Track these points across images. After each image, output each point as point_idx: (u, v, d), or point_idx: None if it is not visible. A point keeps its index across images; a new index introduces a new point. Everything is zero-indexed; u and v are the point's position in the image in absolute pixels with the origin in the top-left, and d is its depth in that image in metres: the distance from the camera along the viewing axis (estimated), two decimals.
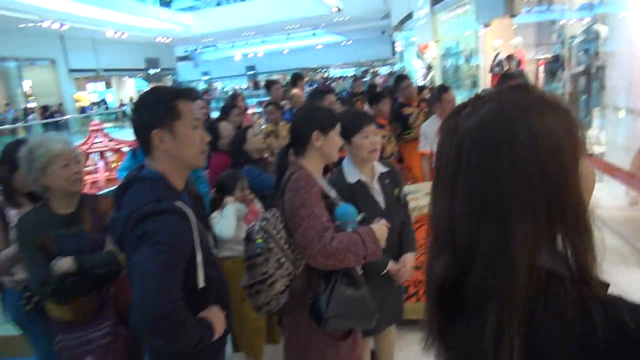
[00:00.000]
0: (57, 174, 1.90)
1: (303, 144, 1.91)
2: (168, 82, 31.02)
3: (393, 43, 24.43)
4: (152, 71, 28.00)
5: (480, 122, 0.68)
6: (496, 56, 8.95)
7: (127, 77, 28.69)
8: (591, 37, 5.81)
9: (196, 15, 27.34)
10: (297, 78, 6.12)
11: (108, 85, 28.13)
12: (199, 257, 1.42)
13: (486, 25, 8.87)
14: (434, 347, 0.78)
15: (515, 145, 0.65)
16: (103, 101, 25.95)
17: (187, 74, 38.35)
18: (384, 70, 38.59)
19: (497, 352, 0.63)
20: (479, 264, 0.66)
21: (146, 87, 29.95)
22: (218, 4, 28.16)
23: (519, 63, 8.63)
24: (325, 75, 38.75)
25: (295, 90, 5.35)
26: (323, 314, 1.70)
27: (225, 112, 4.67)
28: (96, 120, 11.51)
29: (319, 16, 23.75)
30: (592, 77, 5.86)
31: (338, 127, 1.93)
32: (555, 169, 0.65)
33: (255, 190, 2.90)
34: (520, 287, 0.62)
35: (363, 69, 38.53)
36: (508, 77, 5.28)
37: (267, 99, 6.06)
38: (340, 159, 2.16)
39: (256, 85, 33.38)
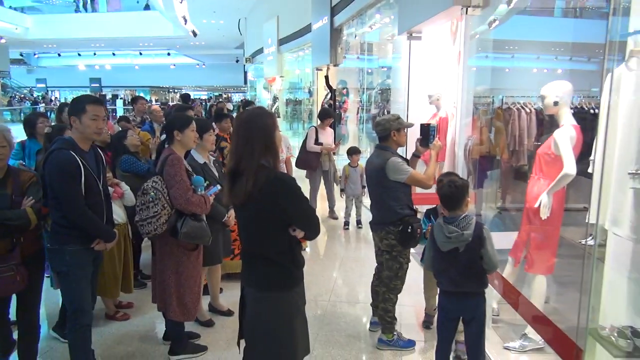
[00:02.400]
0: None
1: (170, 137, 3.09)
2: None
3: (245, 72, 25.96)
4: None
5: (246, 117, 2.00)
6: (326, 95, 10.87)
7: None
8: (385, 86, 7.85)
9: (39, 19, 25.76)
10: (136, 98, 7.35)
11: None
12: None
13: (318, 69, 10.79)
14: None
15: (256, 126, 1.98)
16: None
17: (20, 79, 35.11)
18: (237, 97, 40.22)
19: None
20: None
21: None
22: (76, 10, 26.86)
23: (343, 102, 10.68)
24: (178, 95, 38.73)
25: (154, 106, 6.34)
26: (178, 232, 2.93)
27: None
28: None
29: (175, 37, 24.28)
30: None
31: (192, 126, 3.14)
32: (266, 133, 2.00)
33: (131, 171, 4.01)
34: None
35: (216, 93, 39.58)
36: (325, 113, 7.01)
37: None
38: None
39: (101, 99, 32.03)
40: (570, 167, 2.86)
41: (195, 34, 22.39)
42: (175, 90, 44.34)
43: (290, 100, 16.88)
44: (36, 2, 29.59)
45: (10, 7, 25.32)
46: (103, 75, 37.87)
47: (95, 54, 33.81)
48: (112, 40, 26.70)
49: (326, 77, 10.40)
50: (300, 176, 6.40)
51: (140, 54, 33.88)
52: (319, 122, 6.82)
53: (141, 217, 2.96)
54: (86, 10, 27.01)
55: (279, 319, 2.14)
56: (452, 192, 2.65)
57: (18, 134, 3.85)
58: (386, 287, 3.45)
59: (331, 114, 7.14)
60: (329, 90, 10.46)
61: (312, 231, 2.15)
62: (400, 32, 5.43)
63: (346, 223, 6.55)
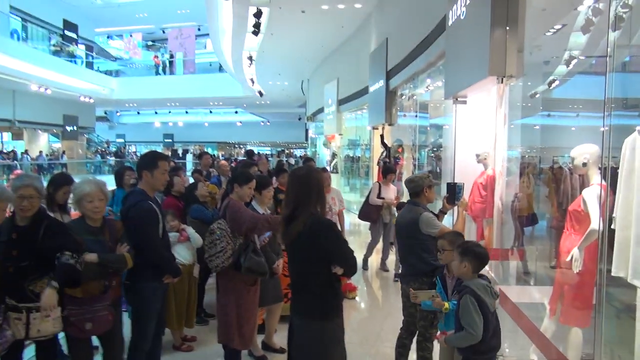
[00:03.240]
0: (86, 206, 3.03)
1: (232, 189, 3.65)
2: (84, 140, 31.22)
3: (307, 130, 27.16)
4: (69, 128, 28.16)
5: (301, 174, 2.46)
6: (382, 153, 11.31)
7: (41, 130, 28.57)
8: (437, 145, 8.19)
9: (124, 81, 28.54)
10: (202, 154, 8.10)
11: (16, 137, 27.81)
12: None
13: (374, 128, 11.33)
14: None
15: (312, 180, 2.42)
16: (13, 152, 25.61)
17: (102, 134, 38.60)
18: (298, 152, 41.80)
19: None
20: None
21: (58, 142, 29.96)
22: (156, 74, 29.62)
23: (399, 159, 11.05)
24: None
25: (222, 162, 7.03)
26: (242, 266, 3.41)
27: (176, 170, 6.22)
28: (18, 170, 12.25)
29: (242, 97, 26.04)
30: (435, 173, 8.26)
31: (251, 184, 3.67)
32: (318, 187, 2.42)
33: (199, 218, 4.56)
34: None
35: (279, 149, 41.30)
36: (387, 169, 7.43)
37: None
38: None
39: (174, 153, 34.37)
40: (596, 223, 3.07)
41: (261, 94, 23.97)
42: (241, 146, 46.74)
43: (349, 156, 17.50)
44: (121, 66, 32.84)
45: (97, 70, 28.37)
46: (175, 131, 40.78)
47: (170, 112, 36.71)
48: (186, 100, 28.96)
49: (382, 136, 10.89)
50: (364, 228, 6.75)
51: (211, 112, 36.40)
52: (380, 179, 7.29)
53: (209, 253, 3.49)
54: (165, 73, 29.59)
55: (320, 346, 2.51)
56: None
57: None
58: (422, 337, 3.59)
59: (393, 171, 7.58)
60: (384, 148, 10.92)
61: (349, 269, 2.54)
62: (446, 96, 5.85)
63: (396, 275, 6.78)
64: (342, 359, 2.66)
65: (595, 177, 3.29)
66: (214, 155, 24.37)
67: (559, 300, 3.48)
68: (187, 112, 36.91)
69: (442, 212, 3.84)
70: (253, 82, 21.20)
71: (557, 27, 5.20)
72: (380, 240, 7.29)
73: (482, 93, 5.50)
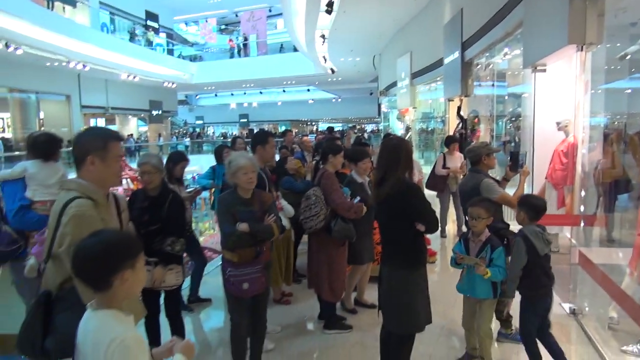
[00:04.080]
0: (241, 178, 3.18)
1: (325, 160, 4.05)
2: (168, 123, 33.34)
3: (379, 104, 27.16)
4: (154, 112, 30.16)
5: (392, 144, 2.82)
6: (458, 124, 11.30)
7: (131, 116, 30.86)
8: (516, 114, 8.14)
9: (202, 65, 29.98)
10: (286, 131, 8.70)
11: (109, 122, 30.21)
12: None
13: (450, 100, 11.32)
14: None
15: (402, 149, 2.78)
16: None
17: (183, 117, 40.92)
18: (369, 127, 41.92)
19: None
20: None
21: (145, 126, 32.30)
22: (231, 56, 30.86)
23: (476, 131, 11.01)
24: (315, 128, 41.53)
25: (305, 138, 7.52)
26: (332, 229, 3.88)
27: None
28: None
29: (315, 75, 26.50)
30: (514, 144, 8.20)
31: (341, 154, 4.08)
32: (407, 155, 2.78)
33: (290, 189, 5.04)
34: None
35: (350, 125, 41.60)
36: (450, 139, 7.62)
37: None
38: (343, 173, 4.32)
39: (250, 133, 35.77)
40: None
41: (333, 71, 24.27)
42: (313, 123, 47.55)
43: (423, 129, 17.47)
44: (198, 51, 34.42)
45: (179, 57, 29.99)
46: (250, 111, 42.24)
47: (245, 93, 38.07)
48: (261, 81, 29.88)
49: (458, 107, 10.89)
50: (431, 196, 7.02)
51: (284, 91, 37.29)
52: (445, 149, 7.47)
53: (305, 216, 3.99)
54: (239, 55, 30.68)
55: (405, 291, 2.91)
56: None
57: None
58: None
59: (455, 139, 7.74)
60: (460, 120, 10.91)
61: (431, 226, 2.90)
62: (525, 65, 5.89)
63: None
64: (425, 306, 3.03)
65: None
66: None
67: (639, 261, 3.60)
68: (261, 93, 38.06)
69: (505, 179, 4.04)
70: (325, 60, 21.55)
71: None
72: (453, 209, 7.48)
73: (562, 61, 5.51)
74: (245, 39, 29.80)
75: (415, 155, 16.23)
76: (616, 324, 3.94)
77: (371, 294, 4.81)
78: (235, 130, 42.11)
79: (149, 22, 27.64)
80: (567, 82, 5.66)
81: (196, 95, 42.89)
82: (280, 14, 25.41)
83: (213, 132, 40.10)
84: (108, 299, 1.56)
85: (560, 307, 4.56)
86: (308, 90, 36.89)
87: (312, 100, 40.77)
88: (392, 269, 3.02)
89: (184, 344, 1.70)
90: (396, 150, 2.94)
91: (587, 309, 4.37)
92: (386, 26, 16.54)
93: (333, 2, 11.73)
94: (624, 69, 6.34)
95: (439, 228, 3.07)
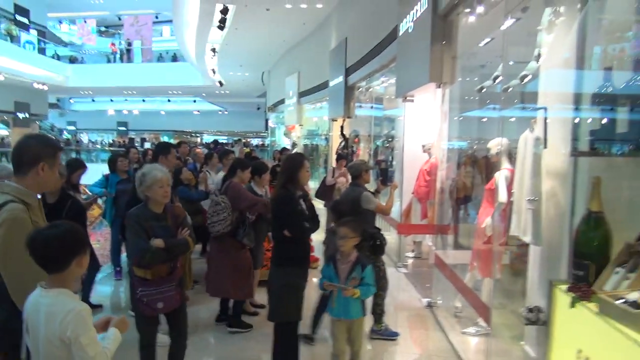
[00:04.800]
0: (157, 192, 3.06)
1: (234, 173, 4.48)
2: (36, 128, 30.56)
3: (266, 120, 27.78)
4: (20, 115, 27.55)
5: (285, 158, 3.34)
6: (341, 142, 12.24)
7: None
8: (391, 136, 9.19)
9: (79, 68, 28.16)
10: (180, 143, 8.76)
11: None
12: None
13: (334, 120, 12.25)
14: None
15: (287, 164, 3.30)
16: None
17: (53, 121, 37.63)
18: (255, 142, 42.32)
19: None
20: None
21: (5, 130, 29.26)
22: (113, 61, 29.30)
23: (355, 150, 12.04)
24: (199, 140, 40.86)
25: (198, 150, 7.77)
26: (240, 236, 4.30)
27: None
28: None
29: (202, 86, 26.34)
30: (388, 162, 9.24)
31: (248, 170, 4.51)
32: (290, 170, 3.35)
33: (185, 198, 5.37)
34: None
35: (236, 138, 41.64)
36: (340, 156, 8.38)
37: None
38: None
39: (130, 143, 34.15)
40: (502, 197, 4.10)
41: (221, 84, 24.38)
42: (197, 134, 46.70)
43: (308, 146, 18.38)
44: (74, 52, 32.22)
45: (54, 57, 27.86)
46: (130, 119, 40.27)
47: (126, 100, 36.32)
48: (144, 89, 28.89)
49: (341, 127, 11.83)
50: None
51: (169, 100, 36.28)
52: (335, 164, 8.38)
53: (212, 220, 4.33)
54: (122, 61, 29.38)
55: (277, 284, 3.49)
56: None
57: None
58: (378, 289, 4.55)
59: (344, 157, 8.62)
60: (343, 139, 11.87)
61: (295, 233, 3.43)
62: (397, 95, 6.83)
63: None
64: (298, 301, 3.51)
65: (504, 163, 4.31)
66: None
67: (476, 258, 4.51)
68: (144, 100, 36.60)
69: (377, 192, 4.77)
70: (214, 73, 21.64)
71: (487, 40, 6.24)
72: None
73: (427, 93, 6.51)
74: (129, 44, 28.67)
75: None
76: (460, 312, 4.84)
77: (262, 297, 5.25)
78: (112, 138, 39.82)
79: (18, 17, 25.38)
80: (430, 111, 6.68)
81: (70, 99, 39.85)
82: (167, 21, 24.99)
83: (90, 141, 37.45)
84: (62, 279, 1.84)
85: (419, 301, 5.40)
86: (194, 101, 36.32)
87: (198, 111, 40.16)
88: (271, 264, 3.62)
89: (119, 319, 2.00)
90: (284, 164, 3.55)
91: (440, 301, 5.25)
92: (276, 45, 17.26)
93: (226, 19, 12.09)
94: (480, 101, 7.61)
95: (305, 235, 3.59)
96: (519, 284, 4.18)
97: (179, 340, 3.34)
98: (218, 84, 24.23)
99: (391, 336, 4.56)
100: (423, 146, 6.98)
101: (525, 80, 4.28)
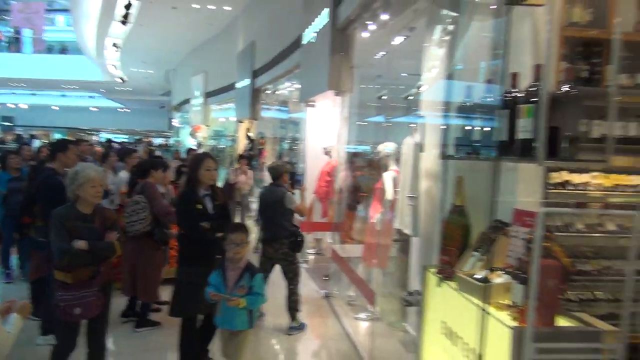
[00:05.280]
0: (89, 191, 2.95)
1: (147, 173, 4.54)
2: None
3: (170, 119, 27.05)
4: None
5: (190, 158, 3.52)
6: (247, 144, 12.43)
7: None
8: (295, 139, 9.58)
9: None
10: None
11: None
12: None
13: (240, 121, 12.41)
14: None
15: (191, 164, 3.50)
16: None
17: None
18: (158, 141, 40.77)
19: None
20: None
21: None
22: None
23: (262, 151, 12.30)
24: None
25: (97, 148, 7.57)
26: (155, 233, 4.37)
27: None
28: None
29: (101, 82, 25.02)
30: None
31: (162, 169, 4.62)
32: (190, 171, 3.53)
33: None
34: None
35: (137, 137, 39.88)
36: (241, 157, 8.58)
37: None
38: None
39: (18, 139, 31.38)
40: (389, 195, 4.60)
41: (123, 81, 23.36)
42: (94, 132, 43.98)
43: (214, 147, 18.26)
44: None
45: None
46: (17, 114, 36.95)
47: (14, 93, 33.29)
48: (36, 82, 26.79)
49: (247, 129, 12.03)
50: None
51: (64, 95, 33.84)
52: (237, 164, 8.59)
53: (131, 220, 4.32)
54: (9, 50, 27.01)
55: (178, 282, 3.60)
56: None
57: None
58: (292, 284, 4.66)
59: (244, 157, 8.95)
60: (249, 140, 12.06)
61: (188, 231, 3.54)
62: (300, 100, 7.21)
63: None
64: (194, 294, 3.37)
65: (391, 164, 4.82)
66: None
67: (367, 251, 4.99)
68: (34, 94, 33.80)
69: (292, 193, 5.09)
70: (115, 68, 20.71)
71: (383, 53, 6.83)
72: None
73: (327, 100, 6.96)
74: (18, 32, 26.41)
75: None
76: (354, 300, 5.29)
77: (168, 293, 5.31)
78: None
79: None
80: (331, 116, 7.14)
81: None
82: (63, 10, 23.45)
83: None
84: None
85: (317, 293, 5.79)
86: (92, 97, 34.24)
87: (96, 108, 37.89)
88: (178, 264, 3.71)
89: (20, 304, 2.08)
90: (188, 163, 3.68)
91: (336, 292, 5.68)
92: (182, 44, 16.99)
93: (129, 14, 11.75)
94: (379, 108, 8.23)
95: (200, 235, 3.52)
96: (405, 273, 4.70)
97: (94, 354, 3.19)
98: (119, 80, 23.19)
99: (302, 328, 4.72)
100: (324, 149, 7.41)
101: (421, 90, 4.76)
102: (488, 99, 2.96)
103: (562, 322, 2.43)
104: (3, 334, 1.91)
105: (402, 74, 7.65)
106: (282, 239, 4.66)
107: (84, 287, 2.91)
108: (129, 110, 40.28)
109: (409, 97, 8.22)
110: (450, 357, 3.00)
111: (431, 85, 4.09)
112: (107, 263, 3.11)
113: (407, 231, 4.14)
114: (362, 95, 7.68)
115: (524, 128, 2.27)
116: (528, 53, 2.81)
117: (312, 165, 7.64)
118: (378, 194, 4.89)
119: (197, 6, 12.00)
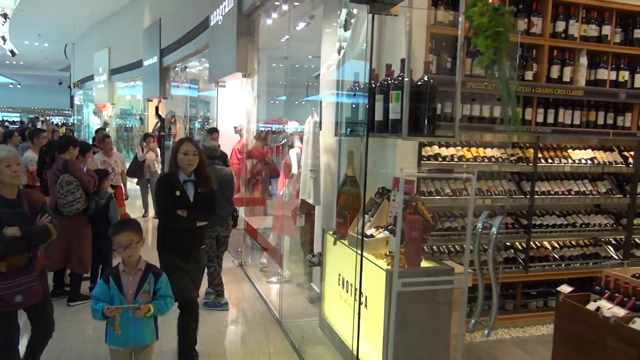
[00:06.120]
0: (4, 172, 2.76)
1: (65, 150, 4.61)
2: None
3: (72, 96, 25.46)
4: None
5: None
6: (157, 123, 12.28)
7: None
8: (206, 118, 9.73)
9: None
10: None
11: None
12: None
13: (149, 100, 12.23)
14: None
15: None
16: None
17: None
18: (56, 120, 38.06)
19: None
20: None
21: None
22: None
23: (172, 131, 12.23)
24: None
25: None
26: (90, 209, 4.55)
27: None
28: None
29: None
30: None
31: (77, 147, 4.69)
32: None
33: None
34: None
35: (32, 115, 36.96)
36: (147, 135, 8.63)
37: None
38: None
39: None
40: (294, 169, 5.09)
41: (13, 54, 21.57)
42: None
43: (121, 126, 17.70)
44: None
45: None
46: None
47: None
48: None
49: (156, 108, 11.88)
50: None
51: None
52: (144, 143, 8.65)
53: (67, 200, 4.42)
54: None
55: (164, 268, 3.11)
56: None
57: None
58: (219, 261, 4.76)
59: (151, 135, 9.07)
60: (158, 119, 11.94)
61: (160, 218, 3.51)
62: (210, 81, 7.43)
63: None
64: (180, 280, 3.26)
65: (296, 141, 5.30)
66: None
67: (278, 220, 5.47)
68: None
69: None
70: (4, 41, 19.09)
71: (287, 37, 7.23)
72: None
73: (237, 80, 7.25)
74: None
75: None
76: (265, 267, 5.77)
77: None
78: None
79: None
80: (240, 96, 7.44)
81: None
82: None
83: None
84: None
85: (232, 263, 6.19)
86: None
87: None
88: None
89: None
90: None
91: (249, 260, 6.13)
92: (83, 17, 16.11)
93: None
94: (285, 88, 8.63)
95: (171, 222, 3.38)
96: (310, 239, 5.25)
97: (44, 336, 3.11)
98: (9, 54, 21.38)
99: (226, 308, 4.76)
100: (235, 127, 7.71)
101: (330, 70, 5.07)
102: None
103: (427, 264, 3.08)
104: None
105: (308, 56, 8.13)
106: (230, 216, 4.77)
107: (22, 274, 2.78)
108: (21, 86, 37.14)
109: (319, 77, 8.75)
110: (345, 302, 3.59)
111: (331, 67, 4.58)
112: (42, 248, 2.99)
113: (310, 201, 4.66)
114: (270, 75, 8.07)
115: (393, 110, 2.81)
116: (403, 47, 3.37)
117: (226, 144, 7.91)
118: (285, 169, 5.35)
119: None
